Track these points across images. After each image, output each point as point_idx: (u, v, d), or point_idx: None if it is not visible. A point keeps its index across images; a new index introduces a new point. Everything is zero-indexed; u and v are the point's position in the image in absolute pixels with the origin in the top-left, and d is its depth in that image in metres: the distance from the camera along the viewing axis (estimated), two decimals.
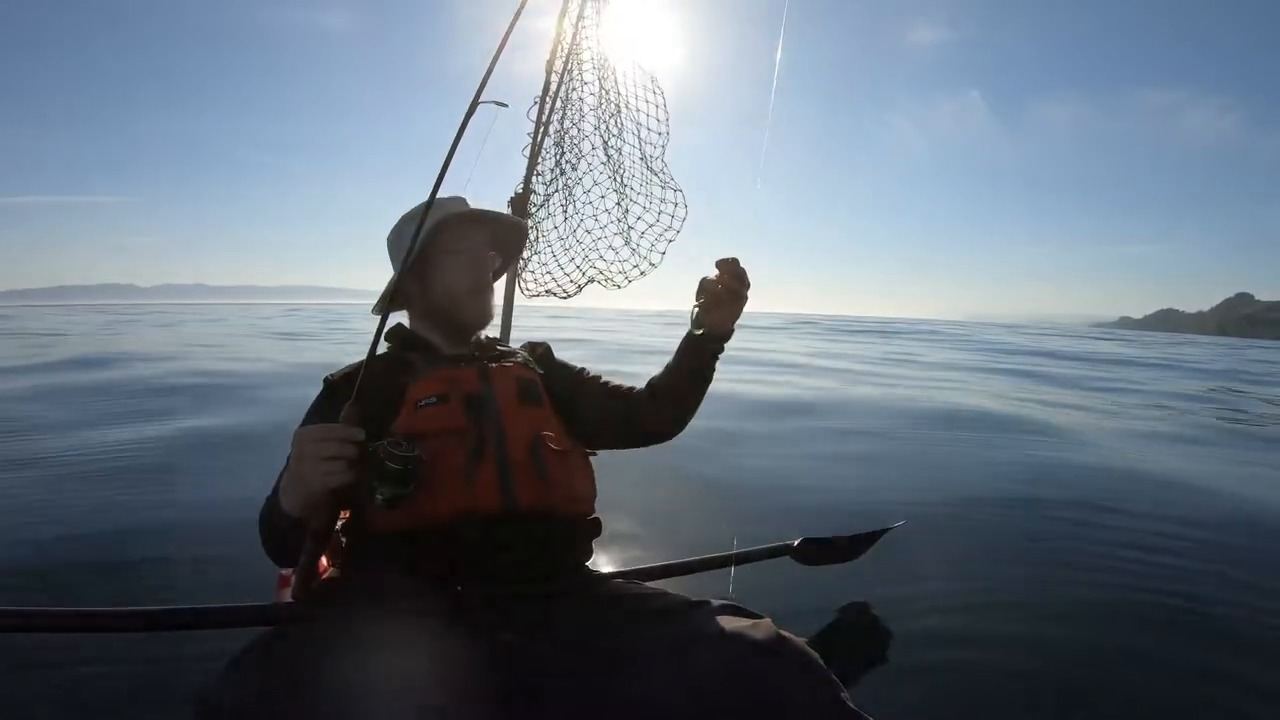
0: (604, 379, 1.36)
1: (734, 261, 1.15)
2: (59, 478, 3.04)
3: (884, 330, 30.46)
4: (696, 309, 1.18)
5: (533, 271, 1.86)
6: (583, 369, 1.38)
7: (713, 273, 1.16)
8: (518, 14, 1.30)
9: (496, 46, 1.24)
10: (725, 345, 1.24)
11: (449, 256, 1.25)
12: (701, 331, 1.20)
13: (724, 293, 1.15)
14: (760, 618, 0.95)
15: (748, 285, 1.17)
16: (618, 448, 1.33)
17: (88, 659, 1.51)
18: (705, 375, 1.26)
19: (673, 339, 1.28)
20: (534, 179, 1.88)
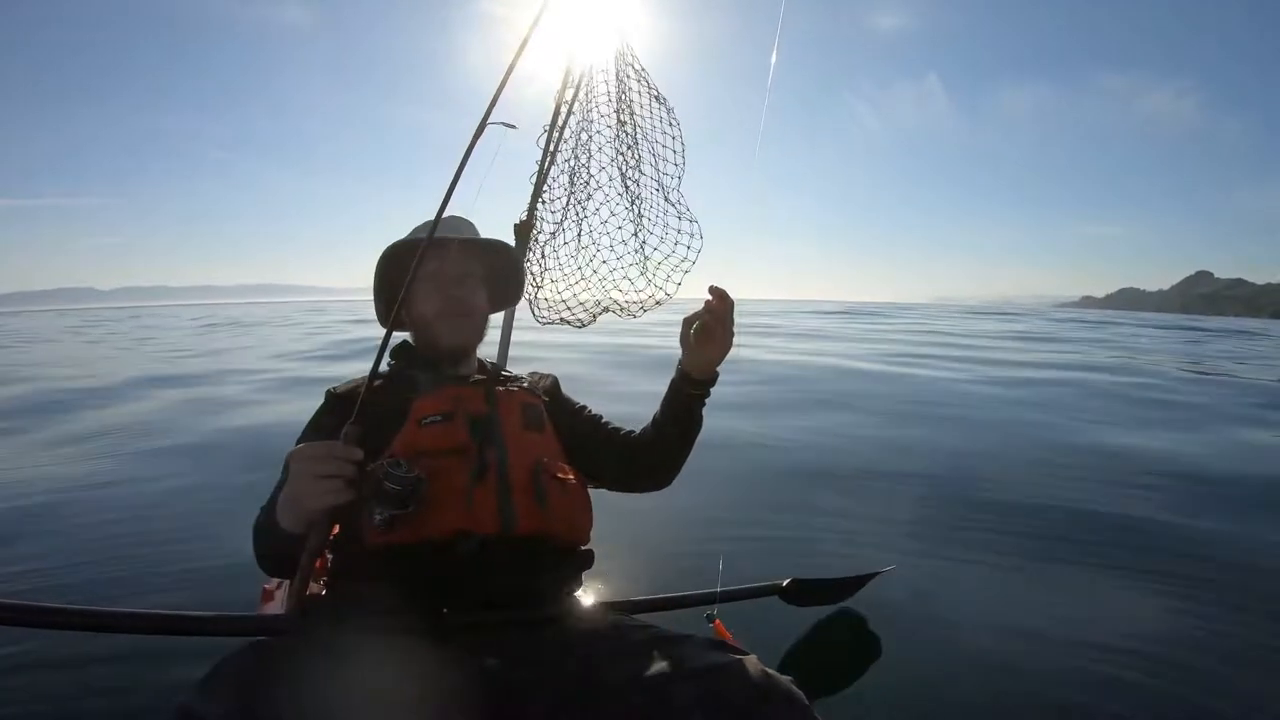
0: (605, 420, 1.37)
1: (725, 293, 1.14)
2: None
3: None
4: (697, 326, 1.16)
5: (547, 299, 1.88)
6: (585, 407, 1.39)
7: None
8: (525, 41, 1.28)
9: (505, 68, 1.25)
10: (710, 390, 1.24)
11: (418, 284, 1.24)
12: (685, 371, 1.20)
13: (714, 321, 1.14)
14: (746, 654, 0.95)
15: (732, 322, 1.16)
16: (612, 489, 1.34)
17: (60, 659, 1.49)
18: (692, 425, 1.27)
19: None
20: (541, 207, 1.90)
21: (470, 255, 1.32)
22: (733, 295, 1.15)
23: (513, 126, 1.25)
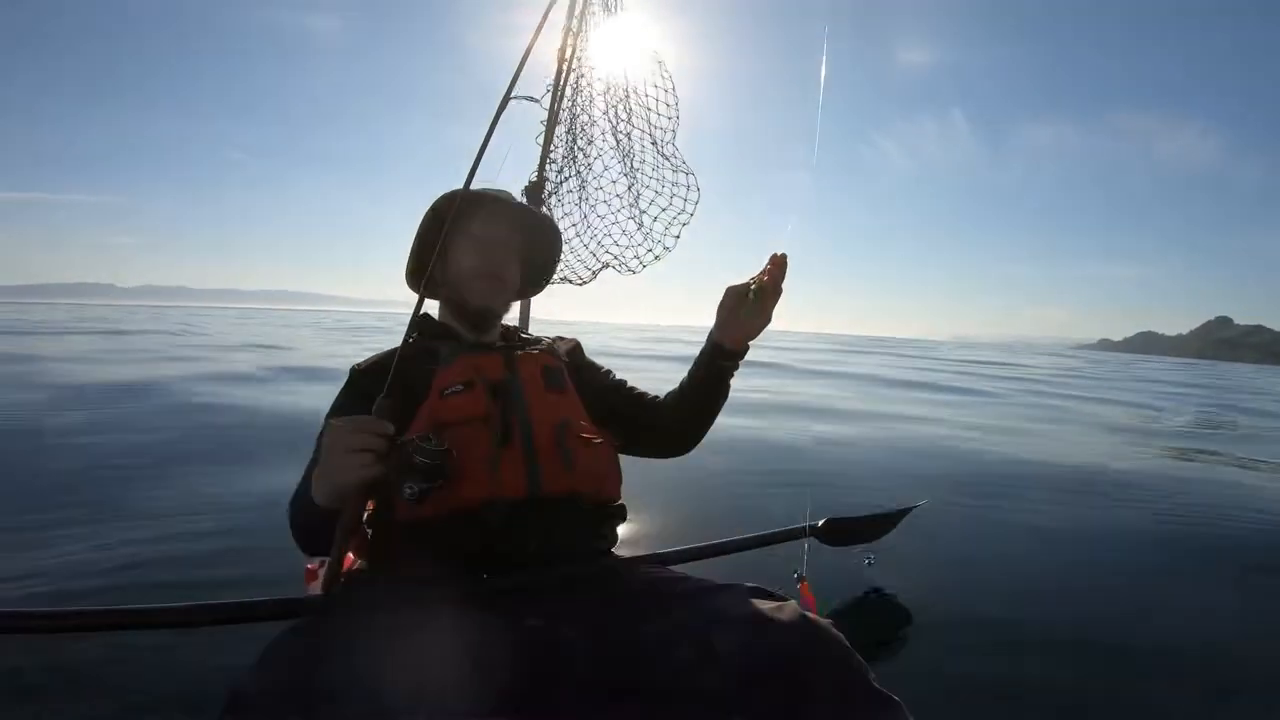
0: (629, 384, 1.36)
1: (785, 258, 1.12)
2: None
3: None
4: (754, 286, 1.14)
5: None
6: (609, 371, 1.38)
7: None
8: (546, 14, 1.31)
9: (527, 43, 1.25)
10: (740, 363, 1.23)
11: (461, 237, 1.24)
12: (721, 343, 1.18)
13: (773, 286, 1.13)
14: (786, 600, 0.95)
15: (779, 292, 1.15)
16: (634, 454, 1.32)
17: (114, 659, 1.52)
18: (721, 392, 1.26)
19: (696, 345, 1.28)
20: (549, 167, 1.87)
21: (514, 227, 1.31)
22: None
23: (536, 100, 1.23)
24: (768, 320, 1.17)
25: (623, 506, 1.23)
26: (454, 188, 1.22)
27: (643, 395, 1.34)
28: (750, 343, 1.20)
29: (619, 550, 1.23)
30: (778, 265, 1.13)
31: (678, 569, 1.20)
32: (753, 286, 1.14)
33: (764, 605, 0.93)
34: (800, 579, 1.51)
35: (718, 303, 1.17)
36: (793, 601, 0.94)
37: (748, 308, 1.14)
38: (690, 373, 1.27)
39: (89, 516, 2.52)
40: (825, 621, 0.91)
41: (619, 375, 1.39)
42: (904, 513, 2.05)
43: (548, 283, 1.50)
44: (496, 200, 1.29)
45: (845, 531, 1.90)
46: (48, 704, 1.41)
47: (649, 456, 1.35)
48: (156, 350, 11.40)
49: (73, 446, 3.79)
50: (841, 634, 0.90)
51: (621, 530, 1.24)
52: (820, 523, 1.85)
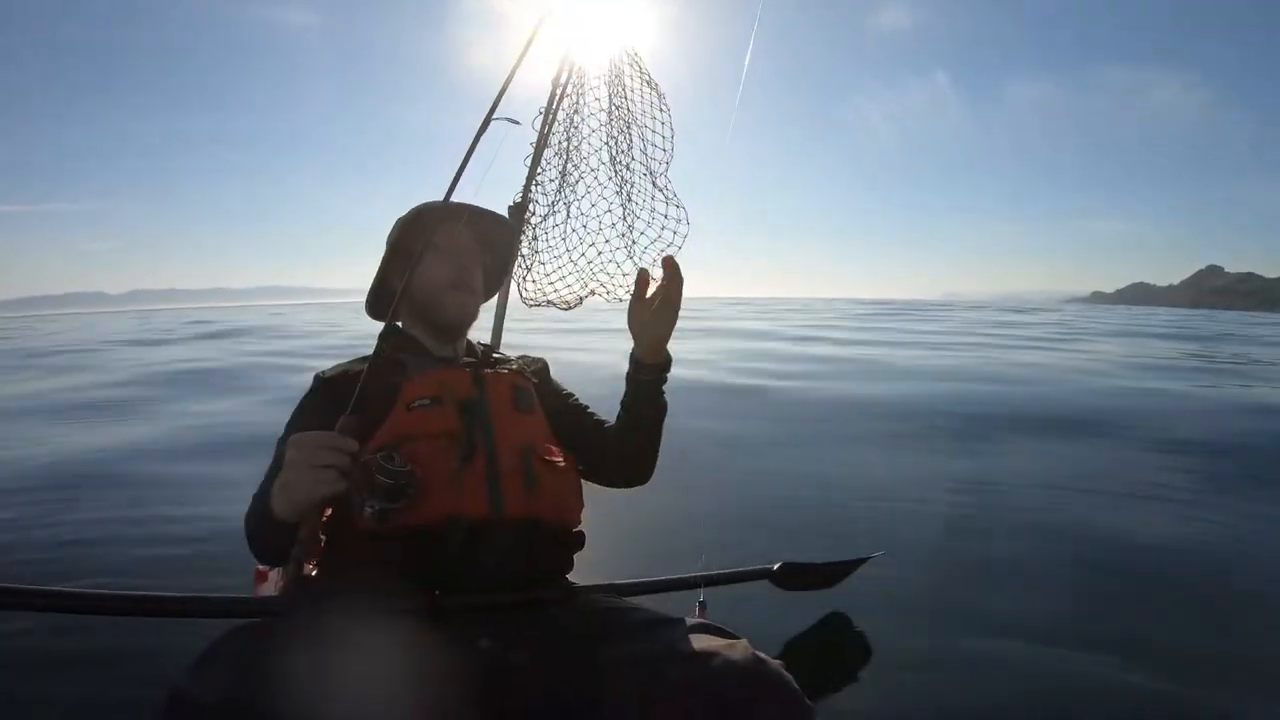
0: (591, 410, 1.36)
1: (675, 261, 1.15)
2: None
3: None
4: (662, 300, 1.15)
5: (535, 280, 1.87)
6: (572, 394, 1.38)
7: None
8: (529, 43, 1.33)
9: (511, 65, 1.27)
10: (666, 375, 1.24)
11: (431, 252, 1.24)
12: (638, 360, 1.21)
13: (676, 290, 1.15)
14: (737, 638, 0.95)
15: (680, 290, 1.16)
16: (594, 480, 1.32)
17: (60, 642, 1.49)
18: (654, 407, 1.26)
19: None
20: (535, 189, 1.89)
21: (474, 233, 1.33)
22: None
23: (516, 123, 1.26)
24: (674, 323, 1.18)
25: (582, 534, 1.23)
26: (422, 201, 1.26)
27: (602, 422, 1.34)
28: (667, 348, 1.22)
29: (575, 577, 1.22)
30: (672, 267, 1.15)
31: (631, 600, 1.19)
32: (657, 300, 1.16)
33: (715, 642, 0.92)
34: (701, 605, 1.51)
35: (627, 325, 1.20)
36: (744, 640, 0.94)
37: (654, 319, 1.17)
38: (624, 400, 1.27)
39: None
40: (775, 663, 0.91)
41: (581, 400, 1.39)
42: (860, 562, 2.07)
43: (501, 280, 1.51)
44: (465, 207, 1.29)
45: (801, 576, 1.91)
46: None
47: (608, 485, 1.35)
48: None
49: None
50: (790, 676, 0.90)
51: (578, 558, 1.24)
52: (776, 566, 1.86)
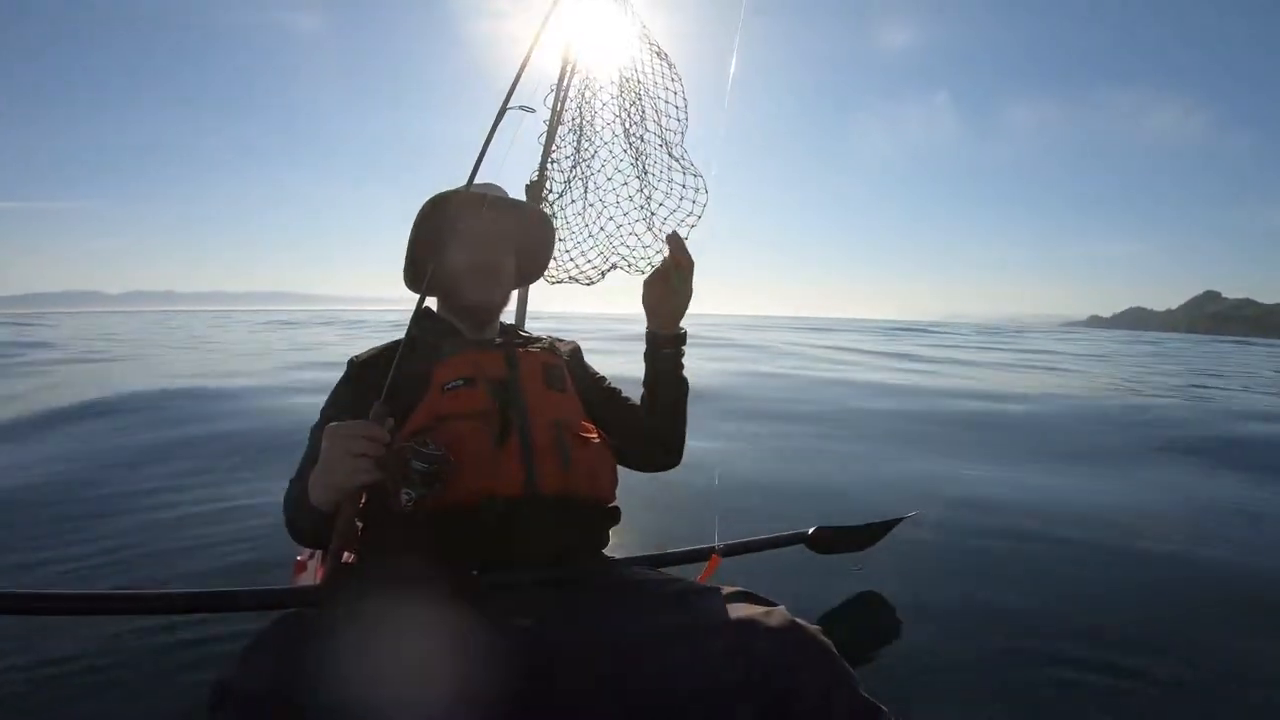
0: (622, 393, 1.37)
1: (677, 235, 1.24)
2: None
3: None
4: (679, 273, 1.22)
5: (556, 258, 1.87)
6: (604, 377, 1.39)
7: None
8: (540, 31, 1.33)
9: (525, 52, 1.27)
10: (684, 348, 1.29)
11: (454, 235, 1.24)
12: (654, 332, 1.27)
13: (673, 268, 1.21)
14: (775, 605, 0.96)
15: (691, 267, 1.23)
16: (625, 464, 1.31)
17: (103, 643, 1.51)
18: (674, 383, 1.30)
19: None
20: (550, 167, 1.88)
21: (506, 219, 1.32)
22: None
23: (531, 110, 1.28)
24: (689, 296, 1.25)
25: (617, 508, 1.23)
26: (446, 188, 1.25)
27: (635, 405, 1.35)
28: (681, 322, 1.28)
29: (611, 551, 1.24)
30: (677, 242, 1.23)
31: (667, 571, 1.21)
32: (674, 273, 1.22)
33: (753, 610, 0.93)
34: (714, 551, 1.57)
35: (641, 299, 1.27)
36: (781, 607, 0.95)
37: (672, 290, 1.24)
38: (645, 380, 1.32)
39: None
40: (814, 628, 0.91)
41: (613, 384, 1.39)
42: (893, 523, 2.07)
43: (544, 271, 1.52)
44: (485, 196, 1.28)
45: (833, 540, 1.92)
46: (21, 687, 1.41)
47: (638, 468, 1.36)
48: None
49: None
50: (829, 640, 0.91)
51: (613, 532, 1.25)
52: (810, 530, 1.87)
